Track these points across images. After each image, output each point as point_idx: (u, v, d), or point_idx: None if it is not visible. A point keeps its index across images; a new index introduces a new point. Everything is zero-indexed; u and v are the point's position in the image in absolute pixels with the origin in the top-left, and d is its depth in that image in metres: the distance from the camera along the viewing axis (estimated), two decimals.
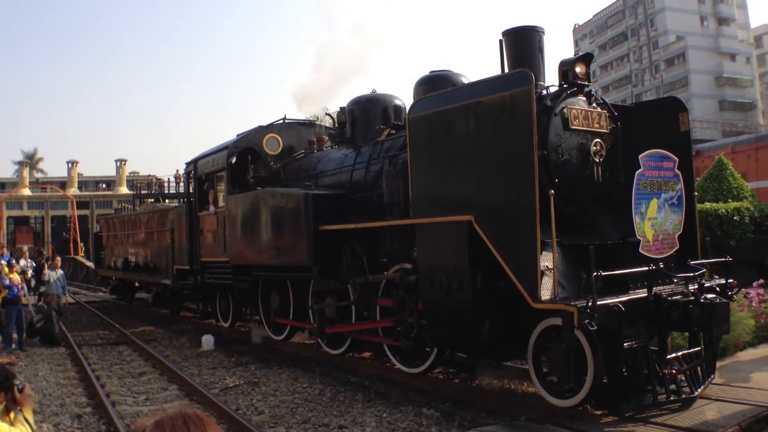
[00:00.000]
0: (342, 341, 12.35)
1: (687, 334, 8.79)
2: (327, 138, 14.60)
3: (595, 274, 7.15)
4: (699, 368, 8.40)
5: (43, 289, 18.07)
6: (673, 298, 7.85)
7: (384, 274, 10.78)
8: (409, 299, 10.03)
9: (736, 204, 16.13)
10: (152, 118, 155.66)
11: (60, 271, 18.34)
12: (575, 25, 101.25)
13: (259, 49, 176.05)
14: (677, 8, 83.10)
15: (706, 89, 79.33)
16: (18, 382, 4.47)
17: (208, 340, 15.11)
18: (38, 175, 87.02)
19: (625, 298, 7.51)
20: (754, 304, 11.73)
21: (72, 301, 27.75)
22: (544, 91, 8.82)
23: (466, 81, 10.99)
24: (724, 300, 8.34)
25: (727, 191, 17.35)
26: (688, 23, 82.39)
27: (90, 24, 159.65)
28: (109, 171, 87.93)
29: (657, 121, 9.52)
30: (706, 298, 7.95)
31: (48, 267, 18.77)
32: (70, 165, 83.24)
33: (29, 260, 38.39)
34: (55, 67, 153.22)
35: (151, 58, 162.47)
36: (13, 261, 19.94)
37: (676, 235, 8.43)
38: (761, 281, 12.81)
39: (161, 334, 17.75)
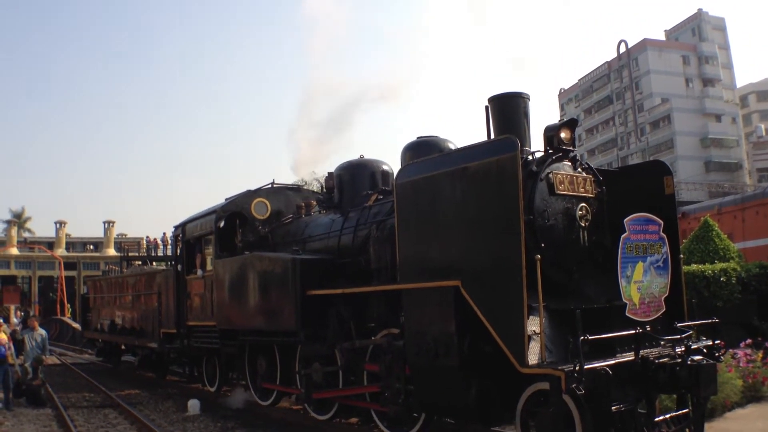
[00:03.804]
0: (329, 406, 12.21)
1: (675, 396, 8.79)
2: (315, 203, 14.64)
3: (582, 338, 7.16)
4: (687, 430, 8.37)
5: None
6: (661, 360, 7.84)
7: (371, 339, 10.74)
8: (397, 364, 9.95)
9: (723, 265, 16.23)
10: (141, 180, 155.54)
11: (41, 332, 18.14)
12: (561, 90, 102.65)
13: (250, 113, 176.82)
14: (662, 71, 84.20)
15: (691, 151, 80.00)
16: None
17: (194, 405, 14.91)
18: (26, 234, 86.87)
19: (612, 362, 7.49)
20: (741, 365, 11.77)
21: (57, 362, 27.50)
22: (530, 157, 8.91)
23: (452, 146, 11.10)
24: (712, 361, 8.33)
25: (713, 252, 17.49)
26: (673, 85, 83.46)
27: (80, 86, 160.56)
28: (97, 232, 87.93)
29: (642, 185, 9.60)
30: (693, 360, 7.92)
31: (23, 330, 18.57)
32: (58, 225, 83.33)
33: (20, 316, 37.91)
34: (44, 128, 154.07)
35: (141, 121, 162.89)
36: (0, 320, 19.74)
37: (663, 298, 8.45)
38: (749, 341, 12.84)
39: (147, 398, 17.53)
